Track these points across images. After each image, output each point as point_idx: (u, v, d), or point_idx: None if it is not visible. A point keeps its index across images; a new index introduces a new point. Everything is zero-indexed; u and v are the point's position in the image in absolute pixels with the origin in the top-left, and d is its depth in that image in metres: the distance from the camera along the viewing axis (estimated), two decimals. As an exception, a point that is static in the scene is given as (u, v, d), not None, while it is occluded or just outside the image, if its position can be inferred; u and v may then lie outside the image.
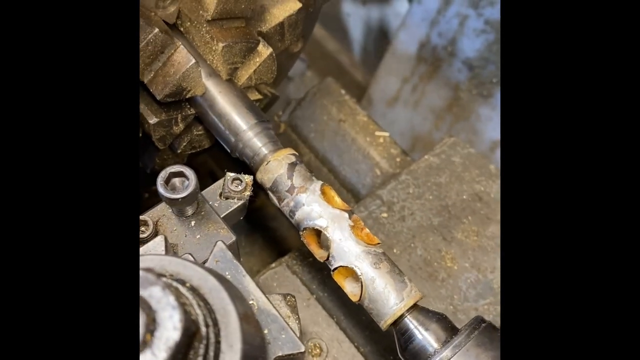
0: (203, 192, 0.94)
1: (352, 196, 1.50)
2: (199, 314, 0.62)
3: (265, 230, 1.61)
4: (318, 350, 1.14)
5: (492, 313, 1.19)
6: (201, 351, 0.60)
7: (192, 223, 0.89)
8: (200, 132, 1.10)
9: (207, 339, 0.61)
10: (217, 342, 0.62)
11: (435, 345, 0.88)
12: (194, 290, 0.65)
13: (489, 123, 1.97)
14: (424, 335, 0.90)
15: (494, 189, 1.32)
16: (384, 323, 0.92)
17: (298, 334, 0.91)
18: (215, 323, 0.63)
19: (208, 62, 1.03)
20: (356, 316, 1.18)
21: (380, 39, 2.56)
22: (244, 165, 1.49)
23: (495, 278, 1.22)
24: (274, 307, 0.77)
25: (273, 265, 1.24)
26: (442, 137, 2.05)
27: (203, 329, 0.61)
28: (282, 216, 1.58)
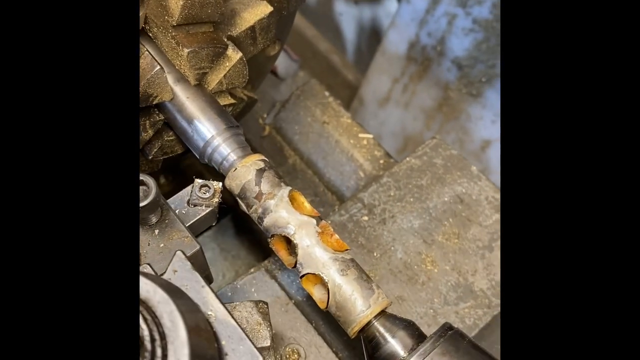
0: (170, 200, 0.94)
1: (337, 198, 1.49)
2: (144, 328, 0.61)
3: (252, 234, 1.60)
4: (296, 355, 1.13)
5: (473, 316, 1.18)
6: (146, 366, 0.59)
7: (156, 232, 0.88)
8: (171, 138, 1.09)
9: (152, 353, 0.60)
10: (164, 356, 0.62)
11: (402, 352, 0.87)
12: (142, 303, 0.64)
13: (479, 122, 1.95)
14: (391, 343, 0.88)
15: (476, 190, 1.30)
16: (351, 330, 0.91)
17: (269, 342, 0.90)
18: (163, 337, 0.63)
19: (177, 67, 1.02)
20: (335, 321, 1.16)
21: (372, 38, 2.55)
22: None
23: (476, 281, 1.21)
24: (233, 318, 0.76)
25: (252, 270, 1.23)
26: (433, 136, 2.05)
27: (147, 345, 0.60)
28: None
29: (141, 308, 0.63)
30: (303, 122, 1.55)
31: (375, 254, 1.23)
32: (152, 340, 0.61)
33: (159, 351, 0.61)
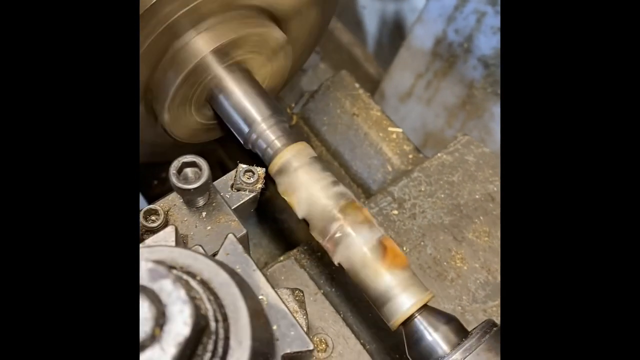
0: (214, 183, 0.93)
1: (363, 192, 1.48)
2: (208, 308, 0.61)
3: (273, 222, 1.60)
4: (324, 345, 1.13)
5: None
6: (210, 347, 0.59)
7: (203, 214, 0.87)
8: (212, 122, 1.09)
9: (216, 334, 0.60)
10: (226, 338, 0.61)
11: (445, 347, 0.87)
12: (204, 284, 0.64)
13: (503, 122, 1.94)
14: (434, 337, 0.88)
15: (507, 189, 1.30)
16: (394, 322, 0.91)
17: (305, 330, 0.90)
18: (225, 318, 0.62)
19: (225, 51, 1.02)
20: (363, 313, 1.17)
21: (395, 33, 2.54)
22: (255, 156, 1.48)
23: (505, 280, 1.21)
24: (284, 303, 0.76)
25: (281, 258, 1.23)
26: (455, 135, 2.03)
27: (212, 325, 0.60)
28: (292, 209, 1.58)
29: (203, 289, 0.62)
30: (332, 113, 1.54)
31: (404, 249, 1.23)
32: (216, 320, 0.61)
33: (221, 332, 0.61)
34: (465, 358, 0.82)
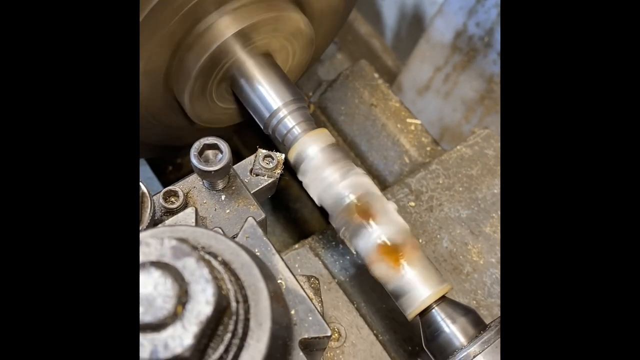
0: (234, 167, 0.93)
1: (379, 183, 1.47)
2: (230, 289, 0.60)
3: (287, 211, 1.59)
4: (337, 334, 1.13)
5: (516, 311, 1.17)
6: (230, 327, 0.59)
7: (223, 197, 0.87)
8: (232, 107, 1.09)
9: (236, 315, 0.60)
10: (247, 319, 0.61)
11: (463, 339, 0.86)
12: (225, 264, 0.63)
13: (521, 118, 1.93)
14: (451, 329, 0.88)
15: (526, 185, 1.29)
16: (411, 313, 0.91)
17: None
18: (246, 300, 0.62)
19: (248, 36, 1.01)
20: (377, 304, 1.17)
21: (414, 25, 2.52)
22: (272, 144, 1.47)
23: (521, 275, 1.20)
24: (302, 289, 0.76)
25: (296, 246, 1.22)
26: (472, 129, 2.02)
27: (234, 305, 0.60)
28: (306, 198, 1.57)
29: (225, 269, 0.62)
30: (350, 103, 1.53)
31: (421, 241, 1.22)
32: (237, 301, 0.60)
33: (242, 313, 0.60)
34: (483, 351, 0.82)
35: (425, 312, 0.91)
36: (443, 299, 0.90)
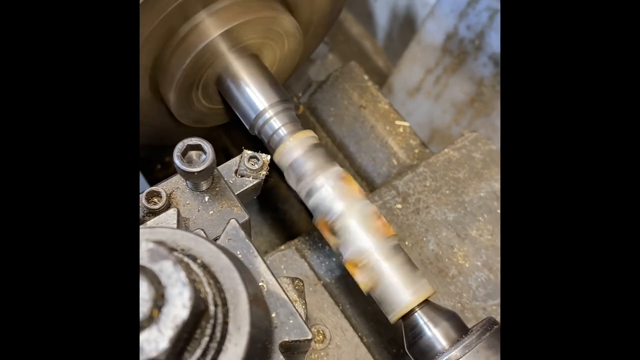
0: (218, 168, 0.92)
1: (367, 184, 1.47)
2: (208, 292, 0.60)
3: (275, 212, 1.59)
4: (321, 336, 1.12)
5: (500, 315, 1.17)
6: (208, 331, 0.59)
7: (206, 198, 0.87)
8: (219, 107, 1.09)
9: (214, 318, 0.60)
10: (225, 323, 0.61)
11: (445, 343, 0.86)
12: (204, 267, 0.63)
13: (510, 121, 1.93)
14: (434, 333, 0.88)
15: (513, 188, 1.29)
16: (394, 316, 0.91)
17: (304, 319, 0.89)
18: (225, 303, 0.62)
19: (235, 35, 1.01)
20: (362, 306, 1.17)
21: (405, 27, 2.52)
22: (260, 144, 1.46)
23: (506, 279, 1.20)
24: (284, 291, 0.75)
25: (282, 247, 1.22)
26: (462, 132, 2.02)
27: (211, 308, 0.59)
28: (294, 199, 1.57)
29: (204, 272, 0.62)
30: (339, 104, 1.53)
31: (407, 243, 1.22)
32: (215, 305, 0.60)
33: (220, 317, 0.60)
34: (464, 355, 0.82)
35: (407, 316, 0.91)
36: (426, 303, 0.90)
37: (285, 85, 1.23)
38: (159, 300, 0.54)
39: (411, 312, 0.90)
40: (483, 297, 1.19)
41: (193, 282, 0.57)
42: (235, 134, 1.67)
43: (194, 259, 0.63)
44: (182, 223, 0.81)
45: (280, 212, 1.59)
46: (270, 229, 1.58)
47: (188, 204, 0.86)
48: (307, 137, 0.98)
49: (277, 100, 1.01)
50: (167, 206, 0.84)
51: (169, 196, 0.85)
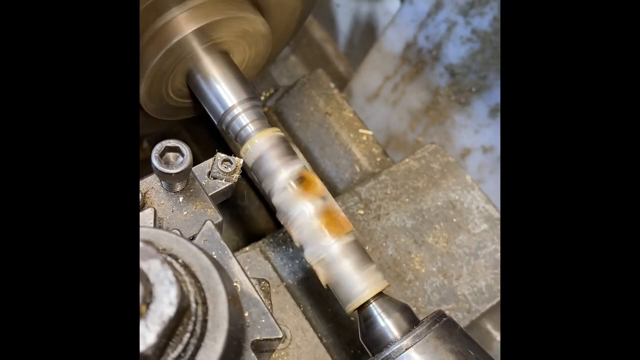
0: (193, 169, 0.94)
1: (330, 190, 1.50)
2: (190, 291, 0.63)
3: (234, 208, 1.61)
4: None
5: (454, 318, 1.23)
6: (189, 327, 0.61)
7: (180, 199, 0.88)
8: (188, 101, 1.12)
9: (195, 316, 0.62)
10: (205, 321, 0.63)
11: (396, 333, 0.91)
12: (185, 267, 0.66)
13: (463, 130, 2.00)
14: (386, 323, 0.92)
15: (468, 198, 1.35)
16: (350, 307, 0.95)
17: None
18: (204, 301, 0.64)
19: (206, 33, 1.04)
20: (322, 307, 1.20)
21: (366, 34, 2.58)
22: (221, 142, 1.49)
23: (459, 285, 1.26)
24: (256, 292, 0.78)
25: (247, 248, 1.24)
26: (416, 139, 2.08)
27: (193, 306, 0.62)
28: (254, 195, 1.59)
29: (185, 272, 0.64)
30: (305, 110, 1.56)
31: (367, 248, 1.27)
32: (196, 303, 0.62)
33: (200, 315, 0.63)
34: (414, 344, 0.87)
35: (363, 307, 0.95)
36: (380, 295, 0.95)
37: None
38: (147, 297, 0.56)
39: (366, 304, 0.94)
40: (437, 302, 1.24)
41: (178, 281, 0.59)
42: (195, 129, 1.69)
43: (176, 258, 0.65)
44: (158, 223, 0.82)
45: (238, 208, 1.61)
46: (228, 225, 1.60)
47: (162, 204, 0.88)
48: (273, 134, 1.01)
49: (246, 98, 1.04)
50: (142, 205, 0.86)
51: (144, 196, 0.87)
